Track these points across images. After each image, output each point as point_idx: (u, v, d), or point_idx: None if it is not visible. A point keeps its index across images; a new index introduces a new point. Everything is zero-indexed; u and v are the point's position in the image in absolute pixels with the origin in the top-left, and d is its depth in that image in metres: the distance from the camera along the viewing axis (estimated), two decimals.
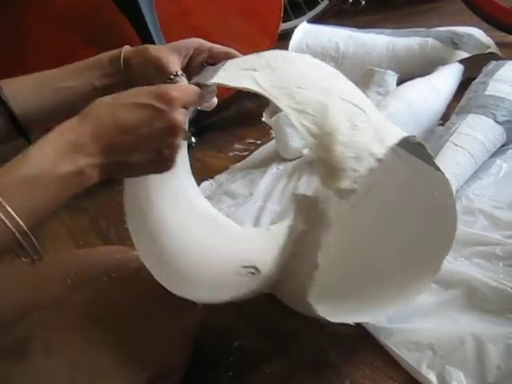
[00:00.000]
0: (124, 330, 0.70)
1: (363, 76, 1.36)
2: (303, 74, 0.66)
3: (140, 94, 0.56)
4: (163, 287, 0.75)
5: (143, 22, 1.46)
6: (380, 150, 0.57)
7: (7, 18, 1.50)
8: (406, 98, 1.18)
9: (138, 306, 0.73)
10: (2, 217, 0.47)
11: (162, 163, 0.59)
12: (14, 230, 0.48)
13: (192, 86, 0.64)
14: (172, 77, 0.67)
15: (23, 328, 0.67)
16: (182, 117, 0.57)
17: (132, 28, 1.47)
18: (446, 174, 0.98)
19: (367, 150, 0.57)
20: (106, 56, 0.74)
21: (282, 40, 1.79)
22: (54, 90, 0.72)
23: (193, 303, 0.78)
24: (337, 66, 1.55)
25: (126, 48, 0.73)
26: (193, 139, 1.16)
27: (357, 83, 1.33)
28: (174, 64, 0.69)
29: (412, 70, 1.46)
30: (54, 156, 0.50)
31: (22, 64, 1.54)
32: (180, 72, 0.69)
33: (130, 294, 0.75)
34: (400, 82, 1.33)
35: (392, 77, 1.33)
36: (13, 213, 0.47)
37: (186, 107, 0.59)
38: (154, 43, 1.46)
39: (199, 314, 0.80)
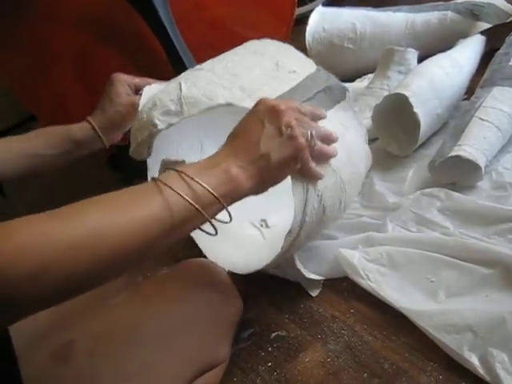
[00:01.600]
0: (168, 325, 0.71)
1: (383, 56, 1.33)
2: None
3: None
4: (205, 279, 0.78)
5: (158, 18, 1.46)
6: None
7: (20, 26, 1.52)
8: (428, 75, 1.16)
9: (182, 300, 0.75)
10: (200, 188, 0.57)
11: (294, 143, 0.64)
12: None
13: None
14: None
15: (65, 332, 0.69)
16: (281, 104, 0.65)
17: (146, 24, 1.48)
18: (474, 150, 0.98)
19: None
20: (74, 133, 0.88)
21: (298, 25, 1.78)
22: (33, 156, 0.84)
23: (235, 296, 0.80)
24: (355, 47, 1.55)
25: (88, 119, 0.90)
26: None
27: (377, 63, 1.34)
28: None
29: (432, 45, 1.43)
30: (197, 166, 0.61)
31: (42, 71, 1.56)
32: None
33: (170, 292, 0.76)
34: (421, 59, 1.30)
35: (412, 54, 1.31)
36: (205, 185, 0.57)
37: None
38: (169, 38, 1.46)
39: (241, 306, 0.81)
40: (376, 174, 1.14)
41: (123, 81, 0.93)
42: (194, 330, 0.73)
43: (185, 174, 0.57)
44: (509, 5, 1.46)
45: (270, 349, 0.84)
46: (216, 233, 0.62)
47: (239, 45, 1.62)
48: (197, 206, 0.55)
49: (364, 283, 0.87)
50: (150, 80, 0.95)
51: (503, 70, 1.13)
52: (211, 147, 0.94)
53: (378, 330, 0.80)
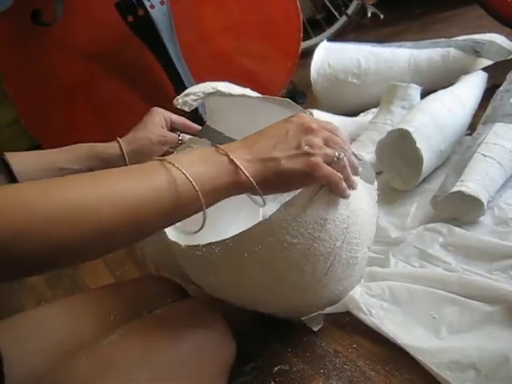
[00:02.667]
0: (162, 370, 0.70)
1: (386, 91, 1.36)
2: None
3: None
4: (198, 322, 0.77)
5: (166, 52, 1.49)
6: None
7: (32, 53, 1.56)
8: (431, 112, 1.18)
9: (175, 341, 0.74)
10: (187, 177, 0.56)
11: (307, 161, 0.63)
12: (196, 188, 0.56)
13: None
14: (179, 142, 0.87)
15: (60, 372, 0.68)
16: (315, 123, 0.66)
17: (155, 58, 1.51)
18: (477, 186, 0.99)
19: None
20: (100, 150, 0.89)
21: (303, 58, 1.81)
22: (56, 169, 0.84)
23: (229, 337, 0.80)
24: (359, 83, 1.58)
25: (118, 140, 0.91)
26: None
27: (381, 98, 1.37)
28: (172, 136, 0.96)
29: (435, 81, 1.46)
30: (202, 152, 0.61)
31: (52, 101, 1.59)
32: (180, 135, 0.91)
33: (165, 332, 0.75)
34: (424, 94, 1.33)
35: (415, 90, 1.33)
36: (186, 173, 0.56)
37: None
38: (177, 72, 1.49)
39: (234, 347, 0.81)
40: (379, 209, 1.14)
41: (161, 114, 0.96)
42: (187, 374, 0.72)
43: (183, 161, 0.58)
44: (510, 42, 1.49)
45: (272, 383, 0.84)
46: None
47: (243, 78, 1.67)
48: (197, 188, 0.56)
49: (366, 319, 0.87)
50: (187, 121, 0.99)
51: (504, 107, 1.15)
52: None
53: (380, 366, 0.80)
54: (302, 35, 1.65)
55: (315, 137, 0.64)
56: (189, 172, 0.56)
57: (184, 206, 0.56)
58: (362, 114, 1.54)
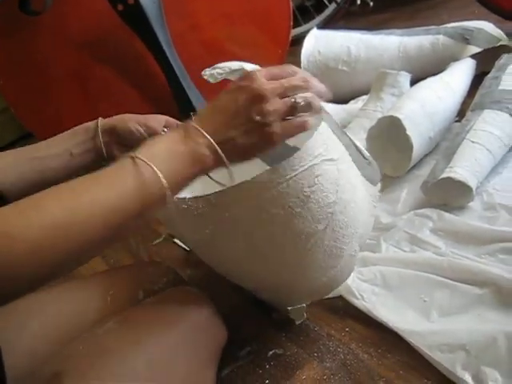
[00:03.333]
0: (154, 353, 0.71)
1: (377, 79, 1.37)
2: None
3: (230, 85, 0.64)
4: (189, 309, 0.78)
5: (156, 41, 1.49)
6: None
7: (22, 43, 1.55)
8: (421, 99, 1.19)
9: (168, 327, 0.75)
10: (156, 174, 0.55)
11: (262, 132, 0.62)
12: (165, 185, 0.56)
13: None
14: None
15: (57, 361, 0.69)
16: (267, 85, 0.61)
17: (145, 46, 1.51)
18: (466, 172, 1.00)
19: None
20: (80, 127, 0.83)
21: (293, 46, 1.82)
22: (28, 159, 0.79)
23: (219, 322, 0.81)
24: (350, 70, 1.58)
25: (101, 120, 0.83)
26: None
27: (371, 85, 1.38)
28: (155, 122, 0.83)
29: (424, 68, 1.47)
30: (170, 143, 0.59)
31: (43, 91, 1.59)
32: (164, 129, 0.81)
33: (158, 319, 0.76)
34: (413, 82, 1.34)
35: (405, 77, 1.35)
36: (159, 172, 0.55)
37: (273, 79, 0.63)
38: (167, 60, 1.50)
39: (225, 332, 0.82)
40: None
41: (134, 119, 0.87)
42: (180, 357, 0.73)
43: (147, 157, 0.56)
44: (498, 30, 1.51)
45: (267, 366, 0.85)
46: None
47: None
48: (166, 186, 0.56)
49: (358, 303, 0.89)
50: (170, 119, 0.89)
51: (492, 94, 1.16)
52: None
53: (373, 348, 0.82)
54: (291, 23, 1.65)
55: (267, 103, 0.61)
56: (159, 168, 0.56)
57: (153, 204, 0.57)
58: (352, 102, 1.55)
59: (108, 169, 0.56)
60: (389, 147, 1.22)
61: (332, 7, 2.40)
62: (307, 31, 1.71)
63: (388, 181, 1.19)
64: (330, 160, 0.71)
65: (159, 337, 0.73)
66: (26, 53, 1.54)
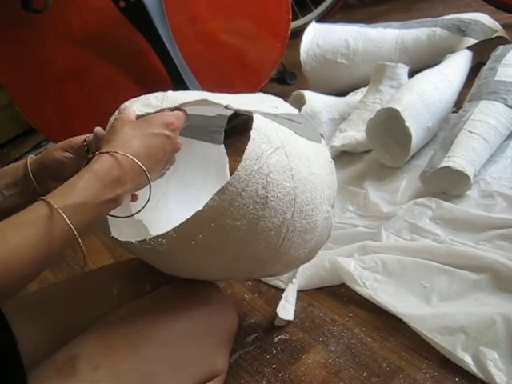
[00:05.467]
0: (169, 339, 0.74)
1: (375, 71, 1.39)
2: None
3: (153, 125, 0.69)
4: (201, 295, 0.81)
5: (158, 36, 1.51)
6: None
7: (25, 40, 1.57)
8: (419, 90, 1.22)
9: (180, 313, 0.78)
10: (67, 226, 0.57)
11: (162, 174, 0.75)
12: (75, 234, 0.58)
13: (180, 112, 0.74)
14: (85, 143, 0.76)
15: (69, 349, 0.71)
16: (179, 139, 0.72)
17: (146, 41, 1.53)
18: (463, 161, 1.03)
19: None
20: (8, 168, 0.81)
21: (291, 39, 1.83)
22: None
23: (230, 309, 0.84)
24: (348, 63, 1.61)
25: (31, 158, 0.80)
26: None
27: (369, 77, 1.40)
28: (76, 140, 0.78)
29: (422, 60, 1.50)
30: (99, 188, 0.61)
31: (40, 81, 1.61)
32: (86, 137, 0.77)
33: (171, 305, 0.79)
34: (411, 73, 1.37)
35: (403, 69, 1.37)
36: (69, 223, 0.57)
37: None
38: (168, 53, 1.51)
39: (236, 318, 0.84)
40: (370, 185, 1.19)
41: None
42: (192, 342, 0.76)
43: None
44: (494, 21, 1.53)
45: (274, 351, 0.88)
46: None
47: (234, 60, 1.67)
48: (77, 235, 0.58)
49: (361, 290, 0.92)
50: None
51: (489, 85, 1.19)
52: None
53: (375, 332, 0.85)
54: (290, 17, 1.67)
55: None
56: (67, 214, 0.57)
57: (62, 245, 0.58)
58: (351, 94, 1.58)
59: (20, 215, 0.57)
60: (388, 138, 1.25)
61: (330, 0, 2.42)
62: (305, 24, 1.74)
63: (388, 171, 1.22)
64: (275, 150, 0.70)
65: (171, 322, 0.76)
66: (29, 50, 1.56)
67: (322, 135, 0.86)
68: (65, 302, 0.84)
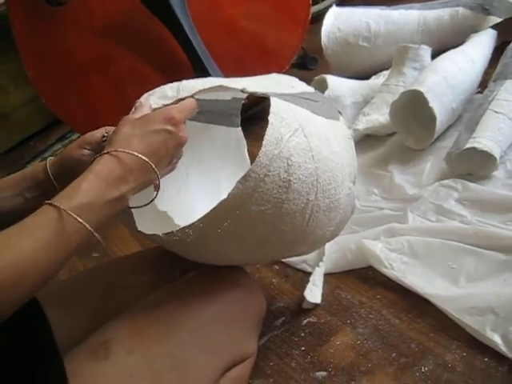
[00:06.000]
0: (200, 324, 0.76)
1: (398, 53, 1.38)
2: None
3: (152, 122, 0.68)
4: (230, 280, 0.82)
5: (179, 24, 1.52)
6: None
7: (49, 33, 1.59)
8: (442, 71, 1.21)
9: (210, 298, 0.79)
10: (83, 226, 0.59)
11: (172, 168, 0.73)
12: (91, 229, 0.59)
13: (189, 100, 0.73)
14: (104, 138, 0.76)
15: (102, 333, 0.73)
16: (184, 132, 0.70)
17: (167, 29, 1.54)
18: (489, 142, 1.02)
19: None
20: (28, 172, 0.82)
21: (312, 24, 1.82)
22: None
23: (259, 292, 0.85)
24: (370, 46, 1.60)
25: (50, 160, 0.81)
26: None
27: (391, 60, 1.39)
28: (92, 134, 0.79)
29: (445, 41, 1.48)
30: (102, 187, 0.62)
31: (64, 73, 1.63)
32: (105, 133, 0.78)
33: (201, 290, 0.80)
34: (434, 54, 1.35)
35: (426, 51, 1.36)
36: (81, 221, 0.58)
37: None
38: (189, 41, 1.52)
39: (264, 301, 0.85)
40: (395, 168, 1.19)
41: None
42: (223, 327, 0.78)
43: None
44: None
45: (302, 334, 0.90)
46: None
47: (254, 46, 1.67)
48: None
49: (388, 272, 0.92)
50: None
51: None
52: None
53: (403, 314, 0.86)
54: (311, 1, 1.66)
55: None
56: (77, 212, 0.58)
57: (76, 244, 0.59)
58: (373, 77, 1.57)
59: (29, 220, 0.57)
60: (412, 121, 1.24)
61: None
62: (326, 9, 1.72)
63: (412, 154, 1.22)
64: (294, 133, 0.70)
65: (202, 308, 0.77)
66: (52, 43, 1.58)
67: (340, 112, 0.86)
68: (95, 289, 0.86)
